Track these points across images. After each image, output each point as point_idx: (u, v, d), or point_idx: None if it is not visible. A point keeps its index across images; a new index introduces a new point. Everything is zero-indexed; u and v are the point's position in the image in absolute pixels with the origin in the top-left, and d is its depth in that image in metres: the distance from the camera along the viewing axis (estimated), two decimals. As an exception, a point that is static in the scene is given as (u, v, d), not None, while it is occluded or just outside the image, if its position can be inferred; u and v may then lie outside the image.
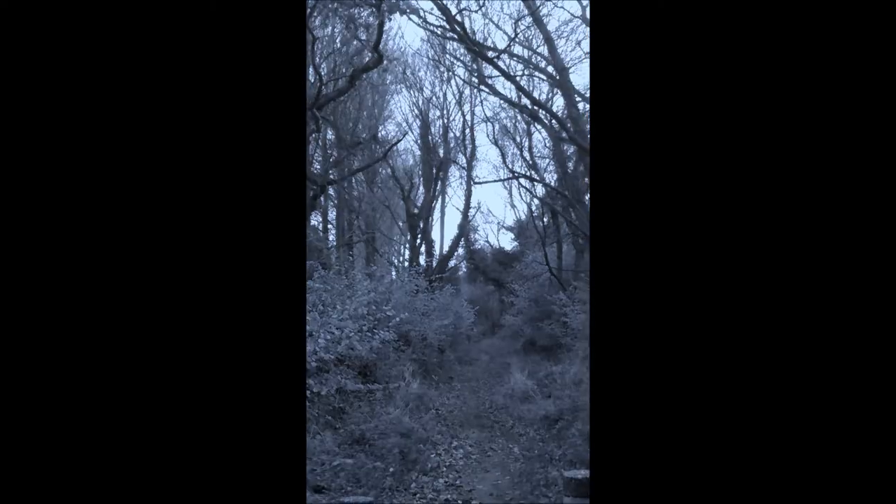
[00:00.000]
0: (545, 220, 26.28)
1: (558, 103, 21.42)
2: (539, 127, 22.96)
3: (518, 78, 19.01)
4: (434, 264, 27.08)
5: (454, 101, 29.70)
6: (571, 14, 25.28)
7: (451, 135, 29.30)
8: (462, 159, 30.26)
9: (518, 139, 26.09)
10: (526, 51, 19.82)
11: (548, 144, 24.25)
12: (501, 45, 19.29)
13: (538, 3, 16.94)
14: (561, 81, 17.48)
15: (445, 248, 30.35)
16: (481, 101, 32.98)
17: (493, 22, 29.17)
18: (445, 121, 28.98)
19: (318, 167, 21.19)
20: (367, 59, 15.95)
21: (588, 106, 19.51)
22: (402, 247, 34.49)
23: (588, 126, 18.69)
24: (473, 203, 30.55)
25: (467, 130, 29.31)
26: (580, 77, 32.87)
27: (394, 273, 18.41)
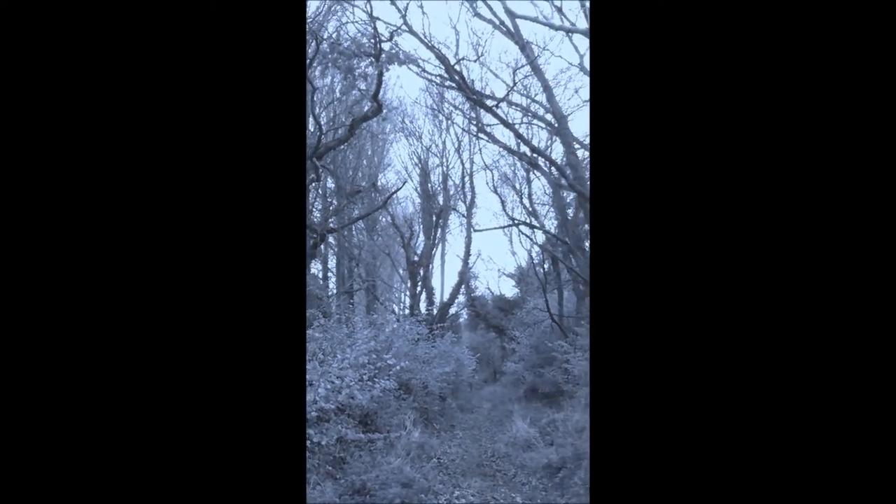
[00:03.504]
0: (546, 266, 26.30)
1: (557, 150, 21.64)
2: (538, 174, 23.12)
3: (517, 125, 19.15)
4: (435, 312, 27.03)
5: (453, 149, 29.89)
6: (569, 63, 25.61)
7: (451, 182, 29.44)
8: (462, 207, 30.37)
9: (518, 186, 26.23)
10: (524, 99, 20.03)
11: (547, 191, 24.40)
12: (500, 93, 19.46)
13: (536, 52, 17.13)
14: (559, 129, 17.60)
15: (446, 296, 30.30)
16: (480, 149, 33.18)
17: (491, 71, 29.45)
18: (445, 169, 29.14)
19: (318, 215, 21.25)
20: (367, 108, 16.10)
21: (587, 153, 19.65)
22: (402, 294, 34.47)
23: (587, 174, 18.78)
24: (474, 250, 30.58)
25: (467, 178, 29.44)
26: (578, 124, 33.27)
27: (395, 321, 18.39)
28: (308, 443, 8.49)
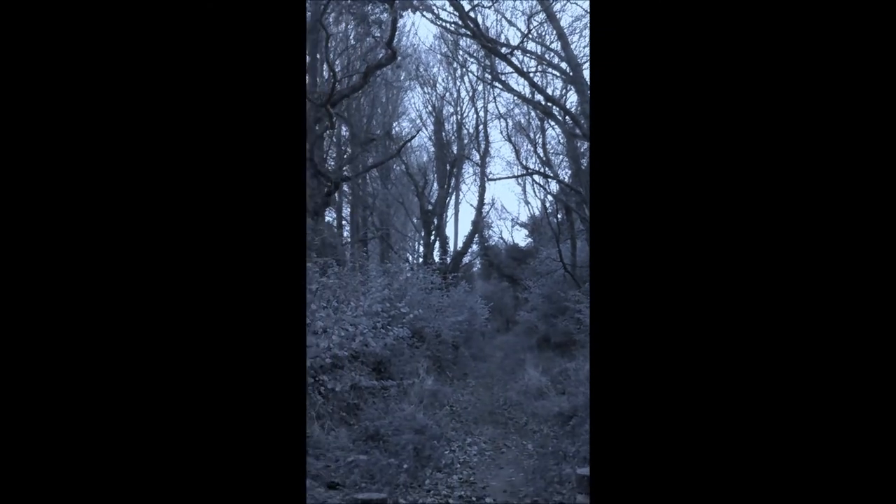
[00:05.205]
0: (559, 216, 26.24)
1: (572, 99, 21.42)
2: (552, 123, 22.93)
3: (531, 74, 18.99)
4: (448, 260, 27.09)
5: (467, 98, 29.58)
6: (584, 10, 25.20)
7: (465, 131, 29.28)
8: (476, 156, 30.25)
9: (532, 135, 26.08)
10: (539, 47, 19.80)
11: (561, 141, 24.20)
12: (514, 41, 19.28)
13: (551, -1, 16.90)
14: (574, 77, 17.41)
15: (459, 245, 30.38)
16: (495, 98, 32.85)
17: (505, 18, 29.07)
18: (459, 117, 28.96)
19: (333, 164, 21.24)
20: (381, 55, 15.96)
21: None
22: (416, 243, 34.51)
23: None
24: (487, 199, 30.42)
25: (481, 127, 29.27)
26: (594, 73, 32.73)
27: (408, 269, 18.48)
28: (322, 389, 8.61)
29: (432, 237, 28.23)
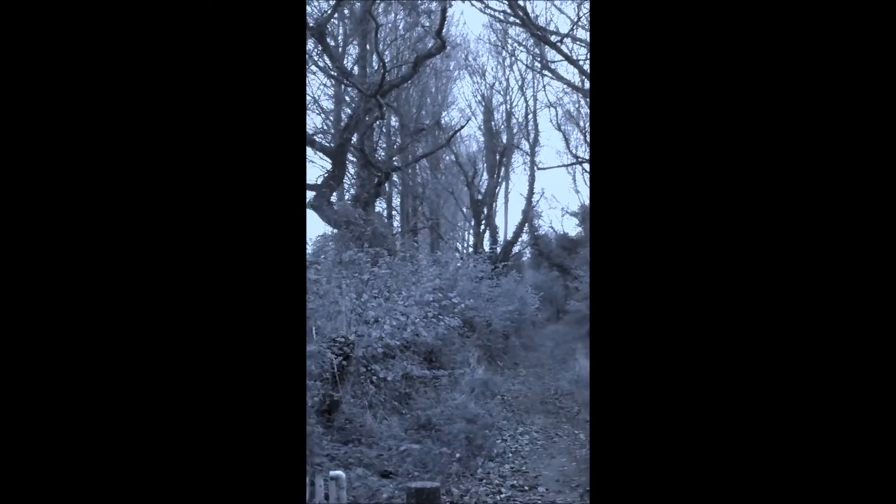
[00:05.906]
0: (610, 204, 26.05)
1: (623, 87, 21.18)
2: (603, 111, 22.74)
3: (581, 62, 18.81)
4: (498, 250, 27.07)
5: (517, 87, 29.43)
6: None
7: (515, 120, 29.21)
8: (525, 145, 30.17)
9: (581, 124, 25.90)
10: (589, 34, 19.61)
11: (612, 129, 24.00)
12: (564, 28, 19.10)
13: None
14: (626, 64, 17.21)
15: (510, 234, 30.29)
16: (544, 86, 32.72)
17: (555, 5, 28.78)
18: (508, 106, 28.89)
19: (383, 154, 21.34)
20: (430, 45, 15.99)
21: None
22: (466, 233, 34.54)
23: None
24: (537, 188, 30.22)
25: (530, 116, 29.18)
26: (645, 60, 32.43)
27: (459, 259, 18.48)
28: (374, 378, 8.68)
29: (482, 227, 28.23)
